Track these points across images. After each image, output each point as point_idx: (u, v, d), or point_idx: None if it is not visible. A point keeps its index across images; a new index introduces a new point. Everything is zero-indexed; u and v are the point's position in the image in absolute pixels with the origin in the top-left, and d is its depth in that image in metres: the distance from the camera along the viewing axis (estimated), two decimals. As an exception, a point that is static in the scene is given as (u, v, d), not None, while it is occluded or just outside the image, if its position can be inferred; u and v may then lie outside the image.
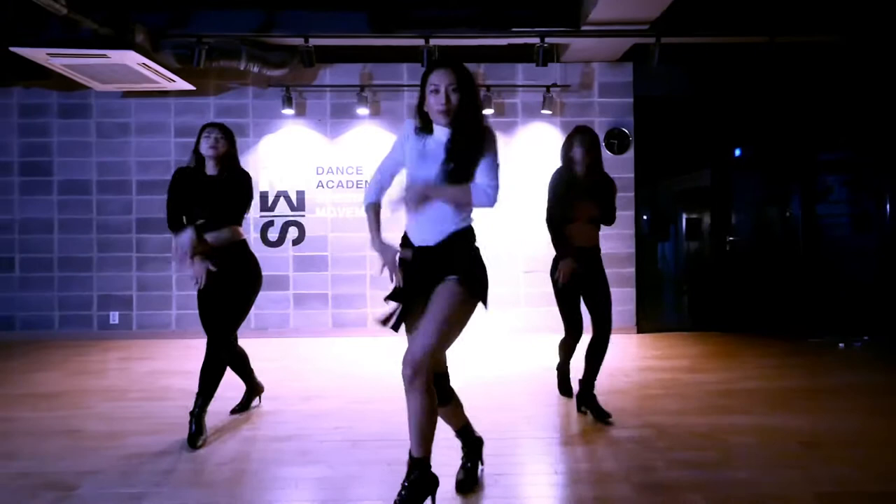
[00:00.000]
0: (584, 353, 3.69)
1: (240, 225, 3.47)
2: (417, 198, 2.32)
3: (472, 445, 2.67)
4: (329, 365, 5.34)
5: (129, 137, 6.74)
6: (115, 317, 6.72)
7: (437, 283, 2.34)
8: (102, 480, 2.70)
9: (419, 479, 2.24)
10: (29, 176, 6.72)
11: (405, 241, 2.49)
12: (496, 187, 2.36)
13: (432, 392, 2.25)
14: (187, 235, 3.19)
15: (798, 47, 6.35)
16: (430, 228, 2.37)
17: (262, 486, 2.67)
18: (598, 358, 3.65)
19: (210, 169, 3.40)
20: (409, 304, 2.38)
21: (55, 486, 2.61)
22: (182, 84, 6.20)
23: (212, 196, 3.31)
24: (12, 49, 5.13)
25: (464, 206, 2.37)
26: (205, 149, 3.35)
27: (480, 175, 2.35)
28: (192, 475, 2.78)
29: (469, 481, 2.59)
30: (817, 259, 7.27)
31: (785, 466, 2.85)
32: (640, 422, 3.52)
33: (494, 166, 2.37)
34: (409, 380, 2.21)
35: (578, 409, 3.73)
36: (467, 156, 2.32)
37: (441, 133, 2.36)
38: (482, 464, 2.72)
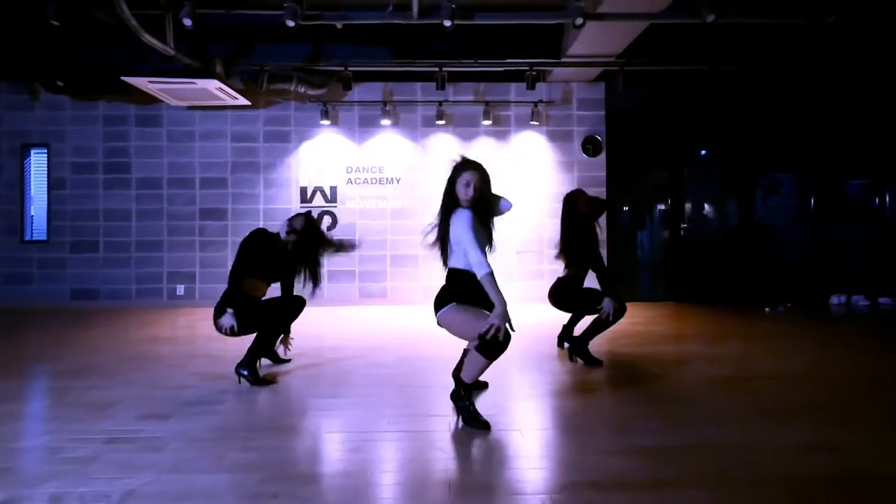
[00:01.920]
0: (594, 320, 4.57)
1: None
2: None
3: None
4: (360, 326, 6.88)
5: (193, 143, 8.23)
6: (181, 289, 8.22)
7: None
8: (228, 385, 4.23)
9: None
10: (111, 174, 8.20)
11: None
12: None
13: None
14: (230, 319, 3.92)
15: (732, 73, 7.95)
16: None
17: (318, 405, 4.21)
18: (603, 327, 4.53)
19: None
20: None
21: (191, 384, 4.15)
22: (242, 101, 7.68)
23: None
24: (123, 78, 6.61)
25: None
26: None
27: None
28: (249, 401, 4.32)
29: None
30: (758, 244, 8.91)
31: (689, 366, 4.45)
32: (604, 355, 5.09)
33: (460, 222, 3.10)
34: None
35: (570, 359, 4.63)
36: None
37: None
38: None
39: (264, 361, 4.53)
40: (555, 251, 4.84)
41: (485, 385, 3.85)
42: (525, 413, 3.47)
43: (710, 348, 5.27)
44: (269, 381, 4.06)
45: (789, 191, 9.26)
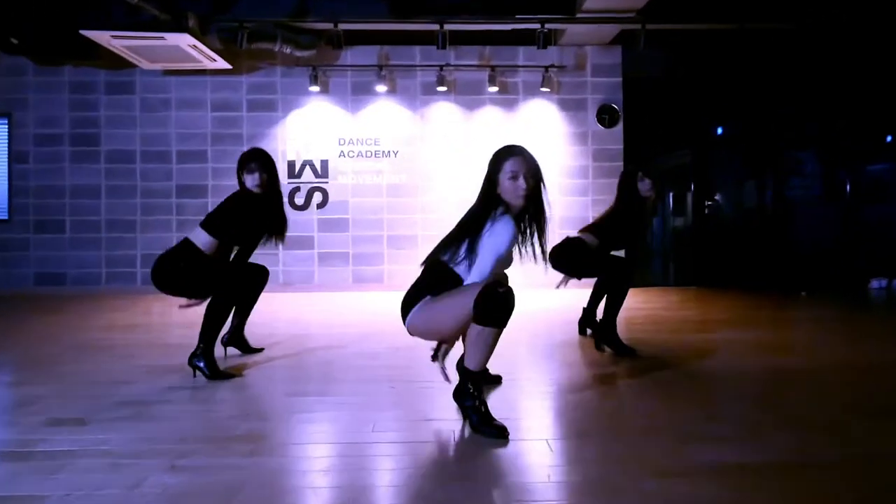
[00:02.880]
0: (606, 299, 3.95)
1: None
2: None
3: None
4: (351, 313, 6.13)
5: (169, 111, 7.47)
6: (157, 273, 7.46)
7: None
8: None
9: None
10: (78, 146, 7.44)
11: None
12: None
13: None
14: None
15: (767, 34, 7.16)
16: None
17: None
18: (619, 302, 3.87)
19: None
20: None
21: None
22: (222, 63, 6.92)
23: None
24: (81, 31, 5.84)
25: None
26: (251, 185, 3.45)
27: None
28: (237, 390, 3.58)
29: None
30: (784, 225, 8.14)
31: (741, 356, 3.70)
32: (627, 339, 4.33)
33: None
34: None
35: (598, 348, 3.88)
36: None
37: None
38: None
39: (231, 351, 3.79)
40: (582, 226, 4.14)
41: (497, 380, 3.09)
42: (550, 417, 2.72)
43: (754, 335, 4.52)
44: (231, 374, 3.31)
45: (822, 170, 8.49)
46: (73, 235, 7.44)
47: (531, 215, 2.52)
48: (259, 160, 3.47)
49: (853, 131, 8.23)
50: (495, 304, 2.26)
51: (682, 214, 8.37)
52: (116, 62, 7.11)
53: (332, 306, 6.29)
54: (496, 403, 2.67)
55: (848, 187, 8.27)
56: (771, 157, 8.27)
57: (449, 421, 2.52)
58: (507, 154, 2.53)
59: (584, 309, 4.33)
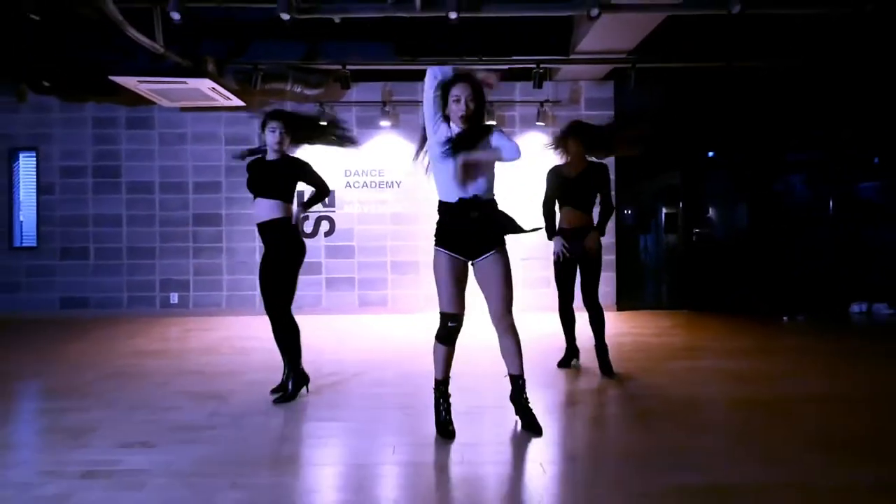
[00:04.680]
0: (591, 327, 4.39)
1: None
2: (463, 164, 2.90)
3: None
4: (357, 336, 6.55)
5: (186, 145, 7.92)
6: (174, 297, 7.90)
7: (490, 243, 3.05)
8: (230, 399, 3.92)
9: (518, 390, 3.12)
10: (101, 178, 7.88)
11: (448, 207, 3.07)
12: (515, 144, 3.00)
13: (517, 331, 3.11)
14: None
15: (753, 71, 7.63)
16: (478, 187, 3.01)
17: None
18: (598, 326, 4.36)
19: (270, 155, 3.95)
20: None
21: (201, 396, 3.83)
22: (236, 101, 7.36)
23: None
24: (111, 77, 6.30)
25: (493, 167, 3.09)
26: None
27: (499, 141, 2.99)
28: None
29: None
30: (774, 248, 8.55)
31: (728, 383, 4.14)
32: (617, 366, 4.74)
33: (504, 134, 3.04)
34: (503, 327, 3.07)
35: (607, 374, 4.33)
36: (471, 141, 2.93)
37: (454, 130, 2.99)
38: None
39: (259, 376, 4.21)
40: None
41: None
42: (542, 442, 3.15)
43: (734, 363, 4.93)
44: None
45: (807, 194, 8.93)
46: (96, 262, 7.87)
47: (471, 135, 2.97)
48: (280, 119, 3.91)
49: (837, 157, 8.66)
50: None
51: (674, 235, 8.79)
52: (136, 100, 7.55)
53: (340, 331, 6.70)
54: (488, 430, 3.13)
55: (831, 212, 8.69)
56: (757, 184, 8.72)
57: (454, 443, 2.96)
58: (454, 80, 2.98)
59: (570, 343, 4.69)
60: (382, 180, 7.98)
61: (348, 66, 7.11)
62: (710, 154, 8.86)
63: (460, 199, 3.02)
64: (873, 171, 8.81)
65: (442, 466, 2.72)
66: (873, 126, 8.37)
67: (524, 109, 8.04)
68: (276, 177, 3.86)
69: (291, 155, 4.07)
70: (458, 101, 2.94)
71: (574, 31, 6.98)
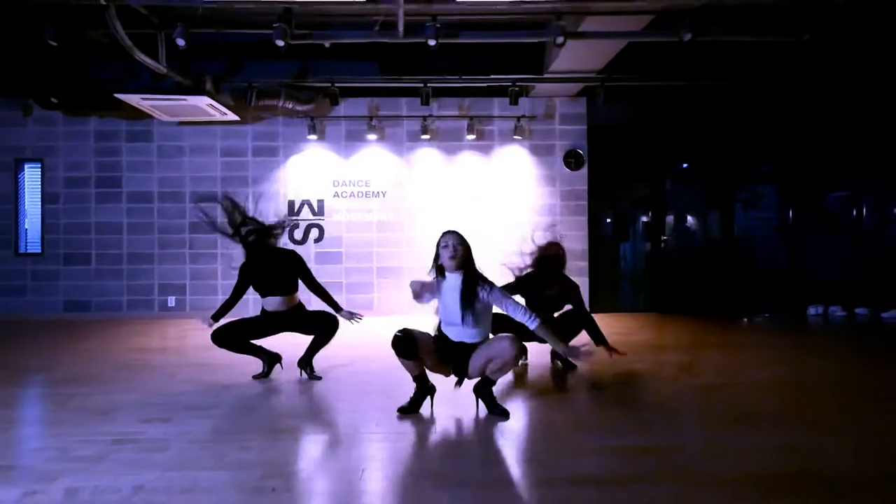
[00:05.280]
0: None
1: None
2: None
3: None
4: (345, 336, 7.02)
5: (183, 157, 8.40)
6: (172, 301, 8.36)
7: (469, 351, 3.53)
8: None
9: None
10: (103, 188, 8.34)
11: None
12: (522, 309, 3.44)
13: None
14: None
15: (715, 88, 8.23)
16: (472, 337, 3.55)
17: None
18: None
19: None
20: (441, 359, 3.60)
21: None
22: (232, 116, 7.86)
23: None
24: (116, 95, 6.79)
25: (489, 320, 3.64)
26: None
27: (512, 309, 3.45)
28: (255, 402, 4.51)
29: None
30: (738, 255, 9.12)
31: (677, 371, 4.68)
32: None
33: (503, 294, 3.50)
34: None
35: (552, 362, 5.00)
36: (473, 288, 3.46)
37: (452, 277, 3.49)
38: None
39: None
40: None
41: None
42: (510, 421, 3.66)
43: (690, 357, 5.47)
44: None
45: (768, 203, 9.52)
46: (98, 267, 8.32)
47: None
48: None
49: (798, 170, 9.25)
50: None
51: (640, 247, 9.36)
52: (136, 114, 8.04)
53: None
54: (464, 407, 3.65)
55: (790, 221, 9.28)
56: (723, 194, 9.29)
57: (430, 418, 3.47)
58: (442, 235, 3.55)
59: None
60: (369, 190, 8.50)
61: (336, 84, 7.64)
62: (684, 166, 9.42)
63: (450, 341, 3.58)
64: (833, 185, 9.42)
65: (420, 435, 3.23)
66: (831, 142, 8.99)
67: (502, 124, 8.58)
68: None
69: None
70: (446, 247, 3.47)
71: (546, 53, 7.55)
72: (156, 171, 8.40)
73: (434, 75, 7.68)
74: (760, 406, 3.80)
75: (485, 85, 8.09)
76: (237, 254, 8.30)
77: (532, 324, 3.38)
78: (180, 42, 5.50)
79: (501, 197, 8.50)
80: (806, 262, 9.10)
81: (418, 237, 8.46)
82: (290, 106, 7.93)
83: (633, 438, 3.12)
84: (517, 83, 7.85)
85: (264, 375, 4.58)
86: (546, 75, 7.72)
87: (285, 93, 7.76)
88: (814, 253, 9.11)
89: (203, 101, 7.09)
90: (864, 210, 9.27)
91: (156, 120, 8.24)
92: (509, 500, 2.41)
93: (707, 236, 9.40)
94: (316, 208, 8.46)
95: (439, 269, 3.56)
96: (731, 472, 2.66)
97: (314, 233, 8.45)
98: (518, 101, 7.87)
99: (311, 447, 3.13)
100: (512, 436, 3.18)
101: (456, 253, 3.45)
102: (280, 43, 5.59)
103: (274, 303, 4.56)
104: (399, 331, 3.46)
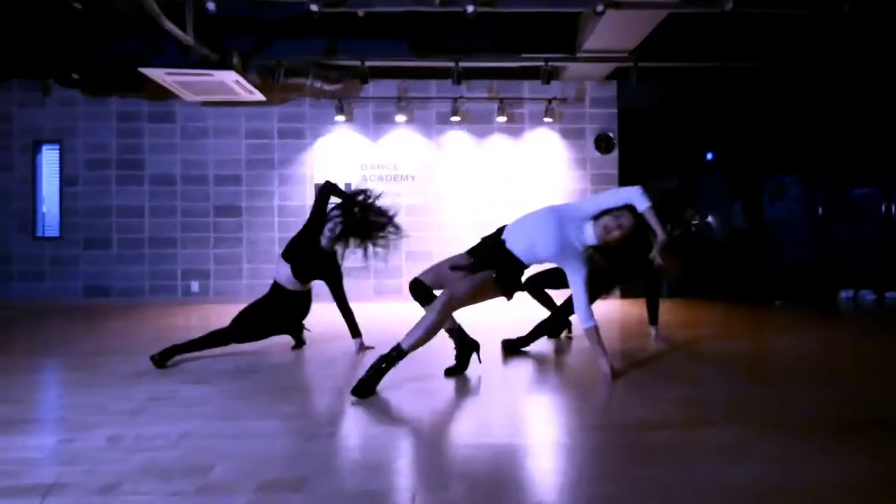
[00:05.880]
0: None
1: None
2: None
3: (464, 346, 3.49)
4: (372, 321, 6.81)
5: (207, 139, 8.23)
6: (195, 286, 8.17)
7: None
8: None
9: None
10: (124, 170, 8.17)
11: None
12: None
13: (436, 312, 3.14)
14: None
15: (747, 71, 8.00)
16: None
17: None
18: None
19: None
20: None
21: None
22: (258, 96, 7.67)
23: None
24: (140, 69, 6.62)
25: None
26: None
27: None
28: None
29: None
30: (769, 243, 8.93)
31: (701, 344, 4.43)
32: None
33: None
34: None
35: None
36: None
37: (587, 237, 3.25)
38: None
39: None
40: None
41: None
42: (496, 380, 3.42)
43: (732, 331, 5.24)
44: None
45: (797, 193, 9.31)
46: (119, 251, 8.14)
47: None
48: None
49: (828, 158, 9.05)
50: None
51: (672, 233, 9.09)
52: (158, 94, 7.88)
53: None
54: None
55: (820, 209, 9.09)
56: (752, 182, 9.07)
57: (453, 380, 3.23)
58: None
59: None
60: (397, 173, 8.29)
61: (366, 63, 7.44)
62: (709, 156, 9.21)
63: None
64: (860, 177, 9.23)
65: (464, 389, 2.99)
66: (861, 131, 8.75)
67: (532, 107, 8.36)
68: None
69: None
70: (619, 227, 3.19)
71: (579, 33, 7.33)
72: (179, 153, 8.22)
73: (465, 53, 7.47)
74: (803, 368, 3.59)
75: (516, 66, 7.88)
76: (263, 238, 8.16)
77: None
78: (210, 6, 5.33)
79: (532, 181, 8.26)
80: (837, 249, 8.99)
81: (447, 221, 8.24)
82: (319, 85, 7.74)
83: (702, 391, 2.89)
84: (549, 62, 7.63)
85: (298, 345, 4.40)
86: (579, 55, 7.50)
87: (313, 71, 7.58)
88: (844, 241, 9.02)
89: (230, 77, 6.90)
90: (894, 203, 9.12)
91: (178, 101, 8.08)
92: (581, 444, 2.18)
93: (737, 223, 9.16)
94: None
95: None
96: (801, 419, 2.51)
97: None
98: (550, 81, 7.64)
99: (354, 404, 2.89)
100: (584, 388, 2.95)
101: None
102: (315, 8, 5.41)
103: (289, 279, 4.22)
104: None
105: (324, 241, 4.18)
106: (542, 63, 7.58)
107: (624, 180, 8.42)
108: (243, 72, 7.06)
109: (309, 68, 7.52)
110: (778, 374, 3.45)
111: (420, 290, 3.18)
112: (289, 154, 8.24)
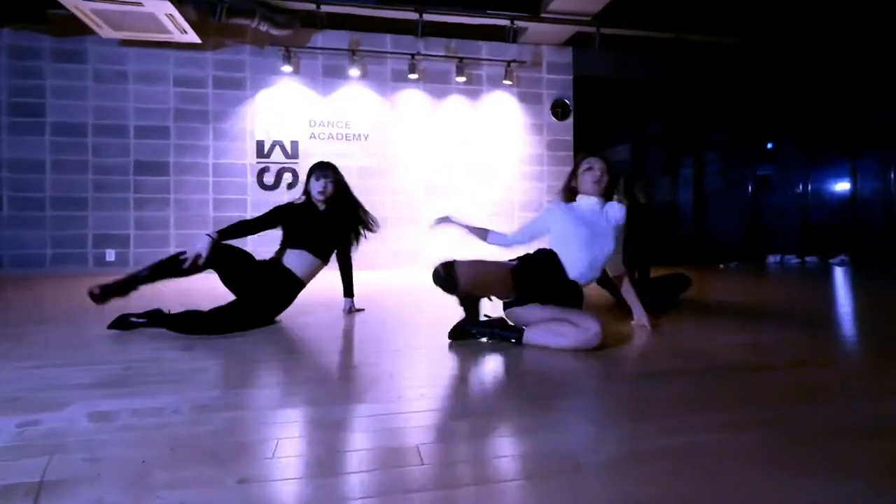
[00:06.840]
0: None
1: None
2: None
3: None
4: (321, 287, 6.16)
5: (126, 84, 7.07)
6: (111, 254, 7.02)
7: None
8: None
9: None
10: (18, 117, 6.83)
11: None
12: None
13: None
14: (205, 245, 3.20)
15: (701, 46, 8.16)
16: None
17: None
18: None
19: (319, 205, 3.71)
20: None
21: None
22: (192, 37, 6.68)
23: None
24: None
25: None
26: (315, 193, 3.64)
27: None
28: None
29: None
30: (698, 211, 9.30)
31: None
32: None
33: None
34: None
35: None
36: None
37: (590, 201, 2.93)
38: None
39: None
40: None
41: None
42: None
43: (711, 291, 5.26)
44: None
45: (729, 168, 9.82)
46: (11, 213, 6.80)
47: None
48: (330, 169, 3.68)
49: (751, 137, 9.60)
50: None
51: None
52: (64, 28, 6.67)
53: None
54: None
55: (750, 185, 9.64)
56: (690, 156, 9.38)
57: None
58: (585, 155, 3.04)
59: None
60: (349, 132, 7.60)
61: (322, 7, 6.71)
62: (656, 124, 9.46)
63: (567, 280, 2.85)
64: (787, 153, 9.88)
65: (457, 353, 2.61)
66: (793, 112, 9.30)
67: (490, 69, 7.99)
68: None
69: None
70: (591, 169, 2.93)
71: (548, -9, 7.09)
72: (90, 98, 7.00)
73: (429, 5, 6.96)
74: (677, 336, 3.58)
75: (479, 23, 7.48)
76: (194, 200, 7.12)
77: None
78: None
79: (489, 144, 7.92)
80: (763, 218, 9.65)
81: (402, 184, 7.69)
82: (265, 29, 6.87)
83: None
84: (514, 21, 7.30)
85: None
86: (544, 15, 7.24)
87: (260, 13, 6.71)
88: (770, 211, 9.68)
89: (163, 9, 5.90)
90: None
91: (89, 38, 6.87)
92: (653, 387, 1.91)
93: (677, 194, 9.47)
94: (289, 151, 7.44)
95: (571, 191, 3.02)
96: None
97: (287, 177, 7.42)
98: (516, 40, 7.33)
99: (359, 365, 2.37)
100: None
101: (601, 181, 2.92)
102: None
103: (312, 264, 3.66)
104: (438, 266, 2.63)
105: (319, 205, 3.71)
106: (506, 21, 7.25)
107: (578, 145, 8.31)
108: (179, 3, 6.09)
109: (255, 9, 6.65)
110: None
111: (451, 281, 2.58)
112: (225, 106, 7.29)
